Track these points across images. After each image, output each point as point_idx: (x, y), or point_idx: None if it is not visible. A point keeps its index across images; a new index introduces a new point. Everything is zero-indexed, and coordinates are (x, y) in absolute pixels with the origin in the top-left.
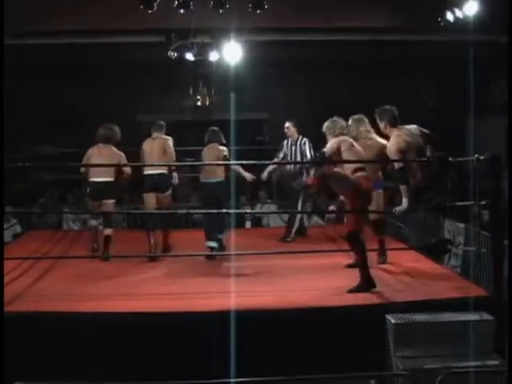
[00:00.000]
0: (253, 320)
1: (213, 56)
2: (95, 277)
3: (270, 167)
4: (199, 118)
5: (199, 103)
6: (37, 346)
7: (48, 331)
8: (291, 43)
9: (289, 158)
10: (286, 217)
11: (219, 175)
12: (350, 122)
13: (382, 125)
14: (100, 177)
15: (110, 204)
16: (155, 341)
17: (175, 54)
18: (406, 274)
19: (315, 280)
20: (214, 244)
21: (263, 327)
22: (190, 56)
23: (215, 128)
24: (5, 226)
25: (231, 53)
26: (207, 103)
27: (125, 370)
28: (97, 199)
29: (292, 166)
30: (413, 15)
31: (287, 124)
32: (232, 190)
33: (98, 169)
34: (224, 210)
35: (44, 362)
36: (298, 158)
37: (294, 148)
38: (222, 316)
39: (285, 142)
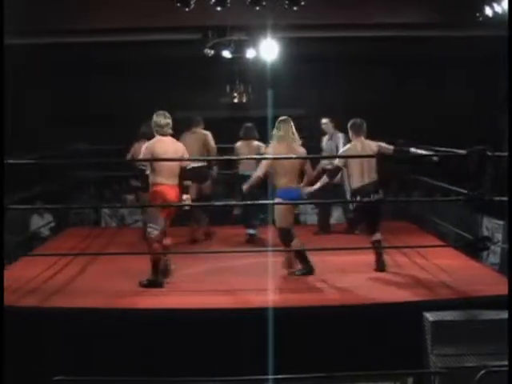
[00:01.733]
0: (291, 317)
1: (249, 53)
2: (133, 273)
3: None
4: (236, 114)
5: (236, 100)
6: (78, 342)
7: (87, 327)
8: (328, 40)
9: (326, 153)
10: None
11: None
12: (277, 123)
13: (350, 133)
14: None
15: None
16: (198, 337)
17: (212, 52)
18: (444, 271)
19: (353, 277)
20: (252, 231)
21: (301, 324)
22: (226, 53)
23: (250, 124)
24: (40, 224)
25: (268, 50)
26: (244, 100)
27: (169, 366)
28: None
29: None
30: (451, 10)
31: (324, 120)
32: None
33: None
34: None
35: (86, 358)
36: (334, 153)
37: (330, 143)
38: (264, 312)
39: (324, 138)
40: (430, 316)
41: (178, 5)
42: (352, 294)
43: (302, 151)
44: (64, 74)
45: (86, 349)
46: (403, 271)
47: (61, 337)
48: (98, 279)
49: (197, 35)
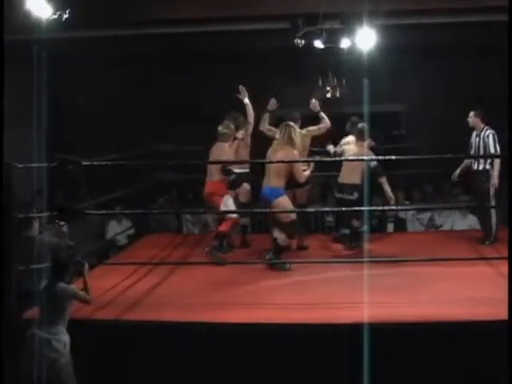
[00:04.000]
0: (388, 333)
1: (344, 43)
2: (218, 284)
3: (463, 164)
4: (329, 111)
5: (329, 95)
6: (154, 357)
7: (166, 341)
8: (431, 27)
9: (472, 151)
10: (425, 221)
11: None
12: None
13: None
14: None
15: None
16: (281, 354)
17: (302, 42)
18: None
19: (461, 290)
20: (346, 230)
21: (398, 341)
22: (318, 43)
23: (356, 118)
24: (118, 230)
25: (364, 39)
26: (338, 95)
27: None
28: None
29: (474, 160)
30: None
31: (470, 113)
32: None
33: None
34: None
35: (162, 373)
36: (481, 153)
37: (477, 140)
38: (355, 329)
39: (473, 134)
40: None
41: None
42: (455, 309)
43: (284, 156)
44: (141, 69)
45: (166, 364)
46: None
47: (139, 352)
48: (178, 291)
49: (286, 24)
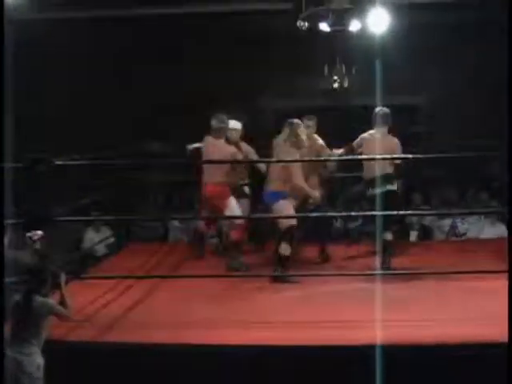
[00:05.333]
0: (402, 356)
1: (353, 26)
2: (210, 300)
3: None
4: (336, 103)
5: (336, 85)
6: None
7: (152, 366)
8: (454, 5)
9: None
10: (446, 228)
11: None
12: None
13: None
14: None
15: None
16: (285, 381)
17: (306, 24)
18: None
19: (485, 307)
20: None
21: (415, 365)
22: (324, 26)
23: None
24: (97, 239)
25: (376, 21)
26: (346, 85)
27: None
28: None
29: None
30: None
31: None
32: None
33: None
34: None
35: None
36: None
37: None
38: (367, 351)
39: None
40: None
41: None
42: (476, 328)
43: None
44: (128, 57)
45: None
46: None
47: (120, 379)
48: (165, 308)
49: (287, 4)
